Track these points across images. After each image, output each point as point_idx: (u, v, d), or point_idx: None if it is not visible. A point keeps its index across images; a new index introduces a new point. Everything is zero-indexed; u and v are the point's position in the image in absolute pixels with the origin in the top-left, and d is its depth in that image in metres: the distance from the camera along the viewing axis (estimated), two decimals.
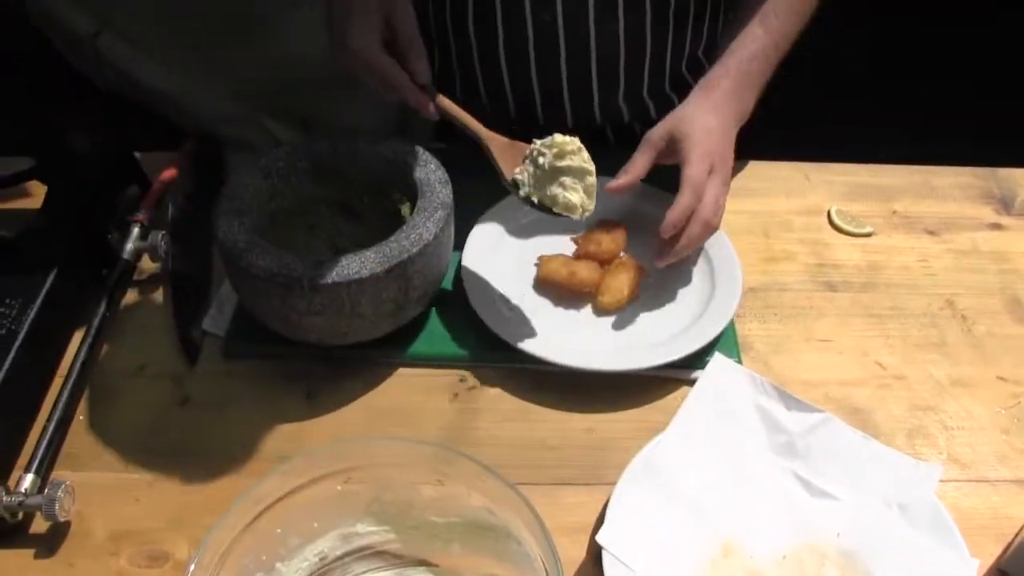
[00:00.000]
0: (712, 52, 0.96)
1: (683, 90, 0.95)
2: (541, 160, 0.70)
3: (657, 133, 0.80)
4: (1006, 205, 0.96)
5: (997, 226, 0.94)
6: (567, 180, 0.70)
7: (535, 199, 0.72)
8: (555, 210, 0.71)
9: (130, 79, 2.19)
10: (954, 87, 2.40)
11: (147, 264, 0.85)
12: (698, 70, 0.96)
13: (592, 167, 0.71)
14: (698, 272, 0.83)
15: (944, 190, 0.98)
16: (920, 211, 0.95)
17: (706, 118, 0.80)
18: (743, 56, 0.84)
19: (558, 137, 0.70)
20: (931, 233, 0.93)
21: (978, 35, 2.52)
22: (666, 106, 0.94)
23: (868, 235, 0.92)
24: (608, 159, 0.77)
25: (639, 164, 0.80)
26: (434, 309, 0.80)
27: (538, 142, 0.71)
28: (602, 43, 0.90)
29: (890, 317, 0.84)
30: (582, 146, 0.70)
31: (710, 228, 0.78)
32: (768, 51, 0.84)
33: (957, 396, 0.77)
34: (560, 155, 0.70)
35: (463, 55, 0.94)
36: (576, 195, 0.70)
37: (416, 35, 0.74)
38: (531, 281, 0.83)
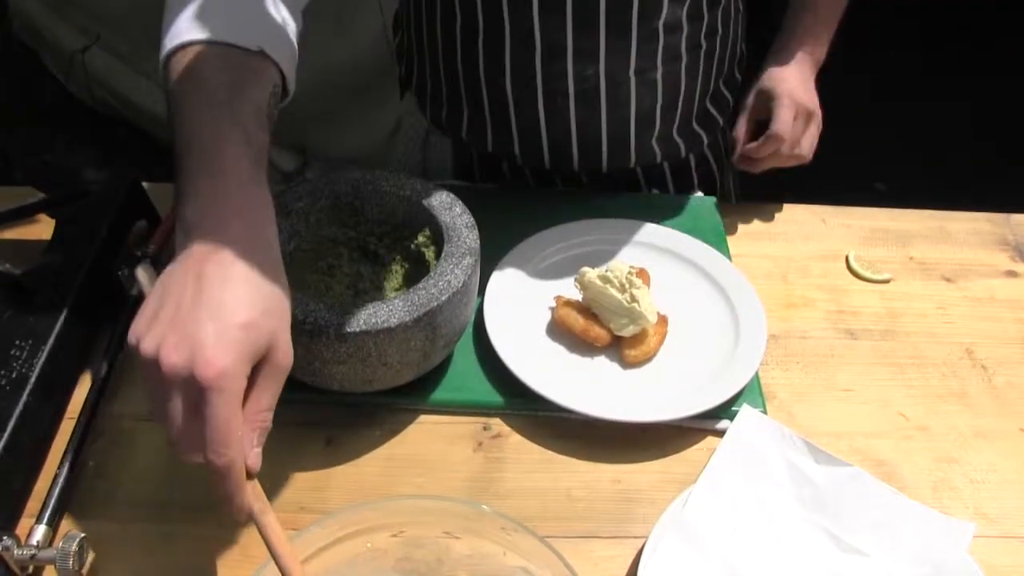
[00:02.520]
0: (731, 81, 1.00)
1: (708, 122, 0.98)
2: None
3: (746, 103, 0.98)
4: (1021, 253, 0.97)
5: (1013, 273, 0.94)
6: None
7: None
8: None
9: (119, 96, 2.18)
10: (949, 117, 2.43)
11: None
12: (721, 102, 0.99)
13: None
14: (722, 320, 0.82)
15: (959, 236, 0.98)
16: (936, 257, 0.95)
17: (787, 74, 0.94)
18: (806, 25, 0.97)
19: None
20: (948, 280, 0.93)
21: (976, 62, 2.55)
22: (695, 141, 0.98)
23: (886, 281, 0.92)
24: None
25: (741, 130, 0.98)
26: (455, 354, 0.79)
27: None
28: (641, 94, 0.90)
29: (911, 366, 0.84)
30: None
31: (798, 159, 0.94)
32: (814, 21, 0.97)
33: (980, 448, 0.77)
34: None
35: (496, 109, 0.93)
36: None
37: (269, 402, 0.54)
38: (552, 323, 0.82)
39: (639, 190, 1.02)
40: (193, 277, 0.50)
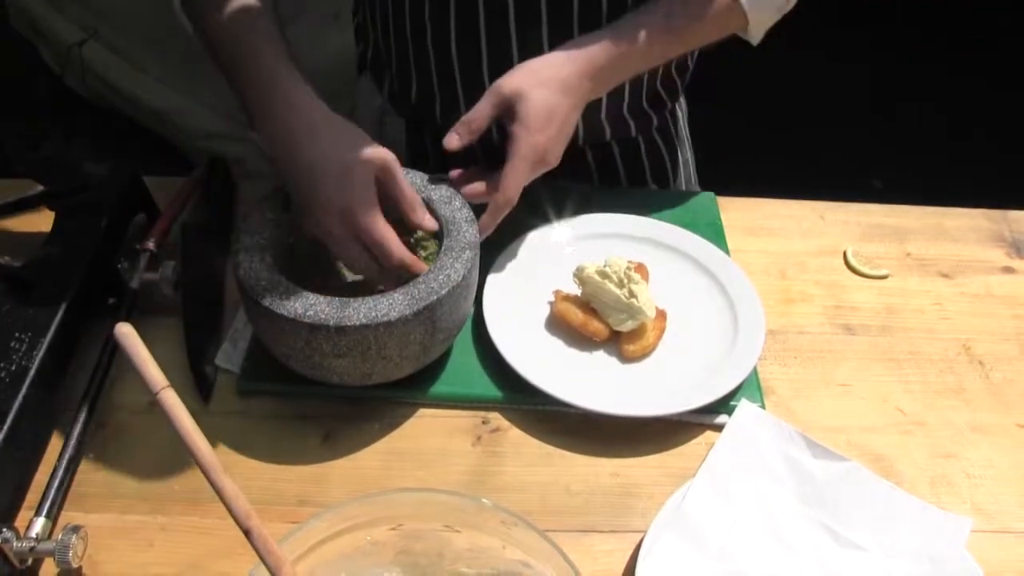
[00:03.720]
0: (682, 66, 0.98)
1: (658, 105, 0.97)
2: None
3: (507, 88, 0.76)
4: (1018, 249, 0.97)
5: (1009, 270, 0.95)
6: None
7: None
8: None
9: (116, 90, 2.17)
10: (947, 115, 2.43)
11: (157, 295, 0.82)
12: (670, 85, 0.98)
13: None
14: (720, 315, 0.83)
15: (956, 232, 0.99)
16: (934, 254, 0.96)
17: (557, 99, 0.77)
18: (630, 38, 0.80)
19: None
20: (945, 276, 0.93)
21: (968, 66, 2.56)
22: (644, 122, 0.97)
23: (884, 277, 0.92)
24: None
25: (482, 115, 0.77)
26: (454, 348, 0.79)
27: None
28: None
29: (908, 362, 0.84)
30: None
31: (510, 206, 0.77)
32: (656, 48, 0.82)
33: (977, 444, 0.77)
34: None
35: (444, 80, 0.92)
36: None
37: (415, 194, 0.73)
38: (551, 317, 0.82)
39: (589, 178, 1.01)
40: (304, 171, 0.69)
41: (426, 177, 0.78)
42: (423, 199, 0.75)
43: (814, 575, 0.65)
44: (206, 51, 0.78)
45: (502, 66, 0.80)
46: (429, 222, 0.74)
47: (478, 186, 0.78)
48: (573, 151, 0.92)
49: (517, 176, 0.76)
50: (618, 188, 1.02)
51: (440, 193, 0.76)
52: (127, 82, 2.14)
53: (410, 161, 0.89)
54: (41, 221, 0.84)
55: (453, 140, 0.78)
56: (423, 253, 0.77)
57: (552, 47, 0.81)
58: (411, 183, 0.77)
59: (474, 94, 0.80)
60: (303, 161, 0.69)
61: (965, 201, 1.03)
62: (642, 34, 0.80)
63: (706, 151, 1.14)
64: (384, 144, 0.72)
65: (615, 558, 0.66)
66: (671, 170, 1.05)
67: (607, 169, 1.02)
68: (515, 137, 0.76)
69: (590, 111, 0.89)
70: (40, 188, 0.84)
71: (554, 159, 0.79)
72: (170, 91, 2.07)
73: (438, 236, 0.74)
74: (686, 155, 1.08)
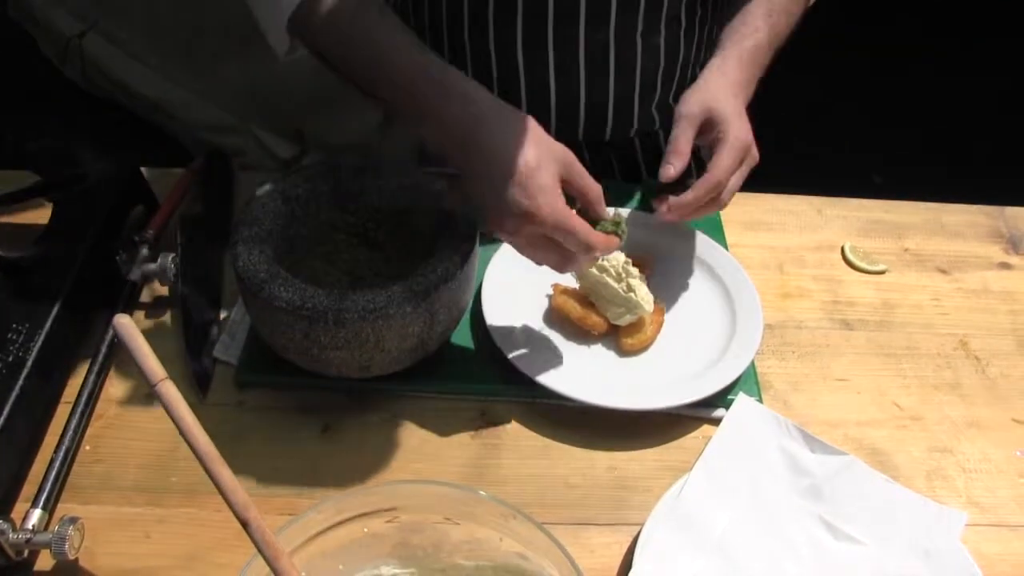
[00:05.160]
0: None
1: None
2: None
3: (692, 111, 0.80)
4: (1015, 245, 0.97)
5: (1006, 265, 0.95)
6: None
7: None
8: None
9: (116, 81, 2.17)
10: (947, 111, 2.43)
11: (156, 286, 0.82)
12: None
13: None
14: (719, 309, 0.83)
15: (954, 228, 0.99)
16: (931, 249, 0.96)
17: (735, 103, 0.81)
18: (748, 46, 0.85)
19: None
20: (942, 272, 0.93)
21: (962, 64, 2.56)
22: (667, 117, 0.96)
23: (881, 272, 0.92)
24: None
25: (683, 144, 0.79)
26: (452, 341, 0.79)
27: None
28: (646, 57, 0.92)
29: (905, 357, 0.84)
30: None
31: (719, 205, 0.81)
32: (766, 46, 0.86)
33: (973, 438, 0.78)
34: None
35: (505, 79, 0.93)
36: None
37: (595, 183, 0.71)
38: (549, 311, 0.82)
39: (636, 163, 1.04)
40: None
41: (422, 169, 0.78)
42: (422, 191, 0.75)
43: (810, 568, 0.65)
44: (325, 65, 0.75)
45: (567, 55, 0.86)
46: (608, 214, 0.72)
47: (686, 195, 0.79)
48: (625, 138, 0.99)
49: (724, 160, 0.78)
50: (616, 182, 1.02)
51: (440, 186, 0.76)
52: (127, 74, 2.14)
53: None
54: (39, 213, 0.84)
55: (670, 171, 0.78)
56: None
57: (618, 48, 0.87)
58: (411, 174, 0.77)
59: (536, 97, 0.88)
60: (480, 158, 0.67)
61: (964, 197, 1.03)
62: (758, 39, 0.85)
63: None
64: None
65: (612, 551, 0.67)
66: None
67: (649, 154, 1.04)
68: (721, 135, 0.79)
69: (645, 105, 0.95)
70: (38, 180, 0.83)
71: (756, 154, 0.81)
72: (170, 83, 2.06)
73: (436, 229, 0.74)
74: None
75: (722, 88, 0.81)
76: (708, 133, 0.80)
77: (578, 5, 0.86)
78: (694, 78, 0.94)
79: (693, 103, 0.80)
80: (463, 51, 0.93)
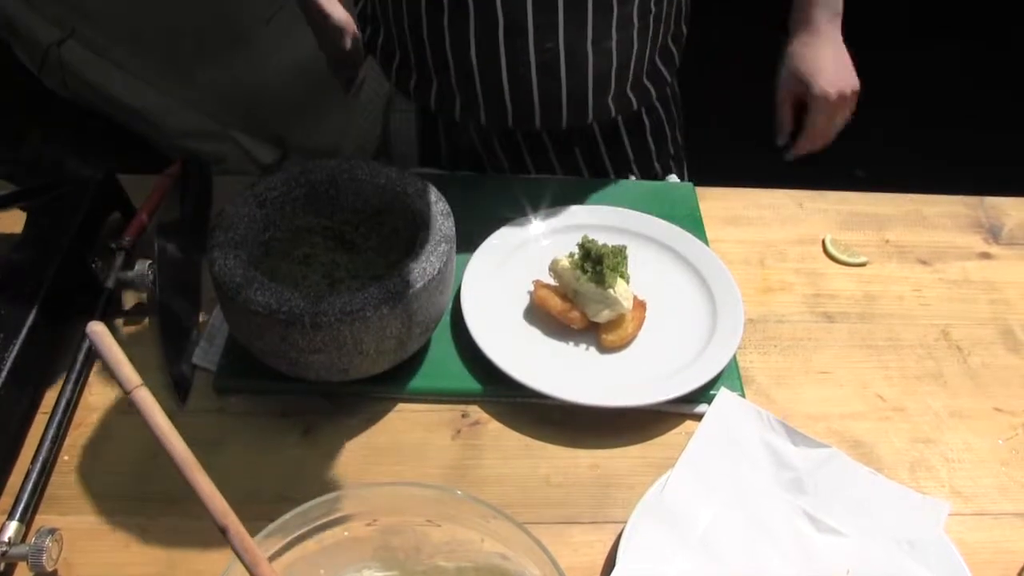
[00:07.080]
0: (677, 36, 1.02)
1: (657, 77, 1.01)
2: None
3: (785, 85, 0.98)
4: (994, 234, 0.97)
5: (986, 255, 0.95)
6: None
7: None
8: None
9: (95, 88, 2.15)
10: (928, 109, 2.45)
11: (133, 294, 0.82)
12: (668, 57, 1.01)
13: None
14: (699, 305, 0.83)
15: (934, 219, 0.99)
16: (912, 240, 0.96)
17: (822, 52, 0.95)
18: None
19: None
20: (923, 263, 0.94)
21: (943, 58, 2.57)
22: (645, 95, 1.01)
23: (862, 265, 0.92)
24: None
25: (787, 118, 1.00)
26: (432, 342, 0.79)
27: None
28: (598, 61, 0.93)
29: (887, 348, 0.84)
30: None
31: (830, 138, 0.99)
32: None
33: (956, 428, 0.78)
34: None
35: (463, 79, 0.95)
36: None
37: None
38: (529, 309, 0.82)
39: (595, 145, 1.05)
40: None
41: (396, 170, 0.77)
42: (397, 192, 0.75)
43: (794, 561, 0.65)
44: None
45: (519, 63, 0.90)
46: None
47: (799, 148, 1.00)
48: (584, 129, 1.02)
49: (813, 119, 0.97)
50: (596, 179, 1.02)
51: (415, 187, 0.76)
52: (106, 81, 2.12)
53: (421, 153, 0.90)
54: (14, 222, 0.83)
55: (780, 141, 1.02)
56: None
57: (568, 51, 0.90)
58: (386, 176, 0.76)
59: (493, 91, 0.91)
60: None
61: (945, 188, 1.04)
62: None
63: (685, 141, 1.14)
64: (393, 124, 0.74)
65: (595, 549, 0.66)
66: (669, 133, 1.10)
67: (610, 137, 1.06)
68: (809, 97, 0.96)
69: (600, 99, 0.96)
70: (12, 188, 0.83)
71: (846, 87, 0.96)
72: (150, 90, 2.05)
73: (413, 230, 0.73)
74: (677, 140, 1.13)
75: (810, 45, 0.96)
76: (803, 93, 0.96)
77: (526, 20, 0.88)
78: (652, 64, 0.98)
79: (782, 82, 0.99)
80: (423, 49, 0.95)
